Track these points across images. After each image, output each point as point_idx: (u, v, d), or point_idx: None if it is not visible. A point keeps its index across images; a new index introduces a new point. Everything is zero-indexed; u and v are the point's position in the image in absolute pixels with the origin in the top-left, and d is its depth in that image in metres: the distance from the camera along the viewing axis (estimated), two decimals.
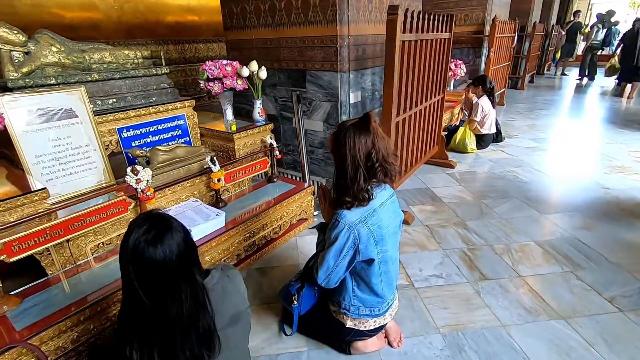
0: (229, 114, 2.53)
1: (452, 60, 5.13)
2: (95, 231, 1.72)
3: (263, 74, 2.40)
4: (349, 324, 1.40)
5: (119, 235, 1.82)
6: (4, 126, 1.58)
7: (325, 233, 1.33)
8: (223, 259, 1.96)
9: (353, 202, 1.24)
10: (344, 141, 1.24)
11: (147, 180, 1.76)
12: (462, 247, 2.28)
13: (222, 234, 1.92)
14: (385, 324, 1.47)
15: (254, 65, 2.34)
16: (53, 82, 1.86)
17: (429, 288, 1.92)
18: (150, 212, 1.01)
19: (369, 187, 1.26)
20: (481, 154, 4.05)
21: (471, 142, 4.06)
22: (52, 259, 1.59)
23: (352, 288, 1.36)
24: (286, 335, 1.58)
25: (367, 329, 1.41)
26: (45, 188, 1.53)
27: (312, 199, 2.57)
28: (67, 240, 1.62)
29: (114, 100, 2.09)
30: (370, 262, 1.29)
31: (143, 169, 1.76)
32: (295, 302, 1.47)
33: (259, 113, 2.52)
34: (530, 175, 3.41)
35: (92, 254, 1.73)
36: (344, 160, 1.25)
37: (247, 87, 2.41)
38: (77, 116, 1.85)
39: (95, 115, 1.92)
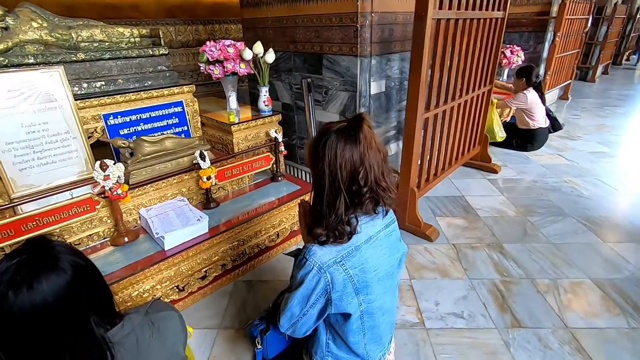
0: (233, 102, 2.26)
1: (507, 45, 4.47)
2: (62, 230, 1.55)
3: (270, 57, 2.09)
4: None
5: (89, 235, 1.65)
6: None
7: None
8: (204, 269, 1.73)
9: (328, 237, 0.91)
10: (322, 152, 0.91)
11: (118, 177, 1.55)
12: (494, 277, 1.85)
13: (204, 241, 1.68)
14: None
15: (258, 46, 2.03)
16: (32, 61, 1.69)
17: (444, 331, 1.55)
18: (37, 239, 0.76)
19: (353, 218, 0.92)
20: (532, 156, 3.45)
21: (499, 129, 3.45)
22: None
23: (325, 342, 1.04)
24: None
25: None
26: None
27: None
28: None
29: (103, 83, 1.90)
30: (347, 316, 0.96)
31: (114, 164, 1.54)
32: (259, 346, 1.18)
33: (264, 102, 2.22)
34: (594, 188, 2.81)
35: None
36: (321, 178, 0.92)
37: (252, 72, 2.12)
38: (55, 100, 1.66)
39: (78, 100, 1.74)
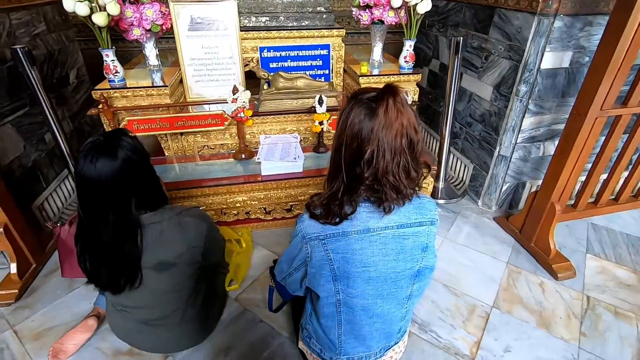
0: (377, 53, 2.15)
1: None
2: (204, 134, 1.98)
3: (422, 7, 1.83)
4: (300, 345, 1.10)
5: (222, 144, 2.04)
6: (168, 27, 1.91)
7: None
8: (290, 203, 1.90)
9: (321, 211, 0.83)
10: (338, 119, 0.81)
11: (244, 102, 1.80)
12: None
13: (296, 179, 1.82)
14: None
15: None
16: None
17: None
18: (117, 130, 1.02)
19: (349, 203, 0.80)
20: None
21: None
22: (169, 145, 1.98)
23: (310, 310, 1.02)
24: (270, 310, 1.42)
25: None
26: (167, 86, 1.82)
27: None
28: (181, 134, 1.95)
29: (267, 18, 2.14)
30: (318, 296, 0.90)
31: (244, 90, 1.80)
32: (271, 284, 1.26)
33: (405, 58, 2.01)
34: None
35: (198, 152, 2.04)
36: (333, 145, 0.83)
37: (399, 23, 1.93)
38: (226, 28, 2.02)
39: (243, 31, 2.05)
